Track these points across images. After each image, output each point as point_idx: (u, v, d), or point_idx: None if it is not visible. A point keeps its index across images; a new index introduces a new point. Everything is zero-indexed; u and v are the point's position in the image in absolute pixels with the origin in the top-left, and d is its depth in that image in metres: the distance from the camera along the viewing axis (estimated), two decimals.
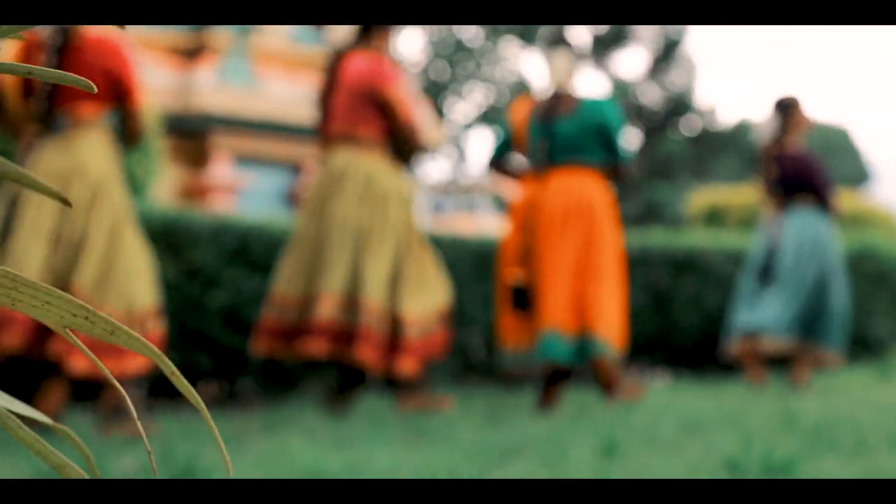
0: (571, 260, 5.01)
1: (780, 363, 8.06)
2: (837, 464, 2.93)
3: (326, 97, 5.01)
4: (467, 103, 31.56)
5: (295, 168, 12.28)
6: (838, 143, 33.52)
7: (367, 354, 4.75)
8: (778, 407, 4.80)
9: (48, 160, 4.22)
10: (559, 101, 5.15)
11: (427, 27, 30.10)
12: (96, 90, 0.74)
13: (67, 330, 0.74)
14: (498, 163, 5.44)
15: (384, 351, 4.85)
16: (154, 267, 4.48)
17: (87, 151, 4.25)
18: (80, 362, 4.14)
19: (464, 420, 4.58)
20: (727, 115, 47.27)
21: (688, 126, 29.78)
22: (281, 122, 12.03)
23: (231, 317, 5.89)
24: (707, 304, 8.00)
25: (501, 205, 24.43)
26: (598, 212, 5.08)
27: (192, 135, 11.47)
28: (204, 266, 5.78)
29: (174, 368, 0.73)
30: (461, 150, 32.58)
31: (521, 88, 30.14)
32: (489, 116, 31.04)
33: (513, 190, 6.03)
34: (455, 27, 29.98)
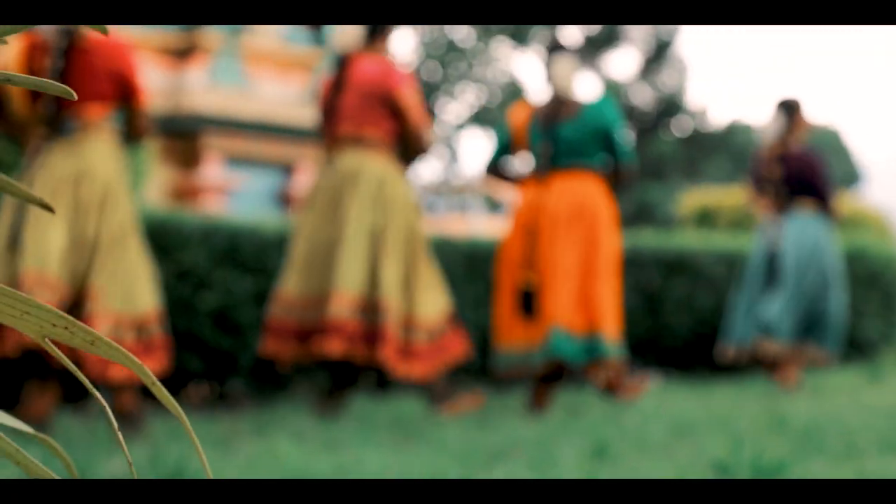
0: (575, 261, 5.07)
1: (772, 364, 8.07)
2: (826, 467, 2.92)
3: (333, 99, 5.00)
4: (459, 104, 31.57)
5: (286, 168, 12.26)
6: (829, 144, 33.58)
7: (390, 356, 4.78)
8: (767, 409, 4.80)
9: (56, 164, 4.25)
10: (561, 106, 5.19)
11: (419, 27, 30.10)
12: (76, 97, 0.73)
13: (47, 340, 0.73)
14: (496, 167, 5.47)
15: (402, 353, 4.88)
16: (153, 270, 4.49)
17: (96, 156, 4.29)
18: (92, 366, 4.16)
19: (453, 422, 4.57)
20: (718, 116, 47.32)
21: (679, 127, 29.82)
22: (272, 123, 12.01)
23: (221, 318, 5.87)
24: (698, 305, 8.00)
25: (493, 206, 24.43)
26: (601, 214, 5.14)
27: (183, 135, 11.45)
28: (194, 267, 5.76)
29: (154, 379, 0.72)
30: (453, 150, 32.59)
31: (513, 89, 30.15)
32: (481, 117, 31.05)
33: (509, 193, 6.02)
34: (447, 28, 29.98)
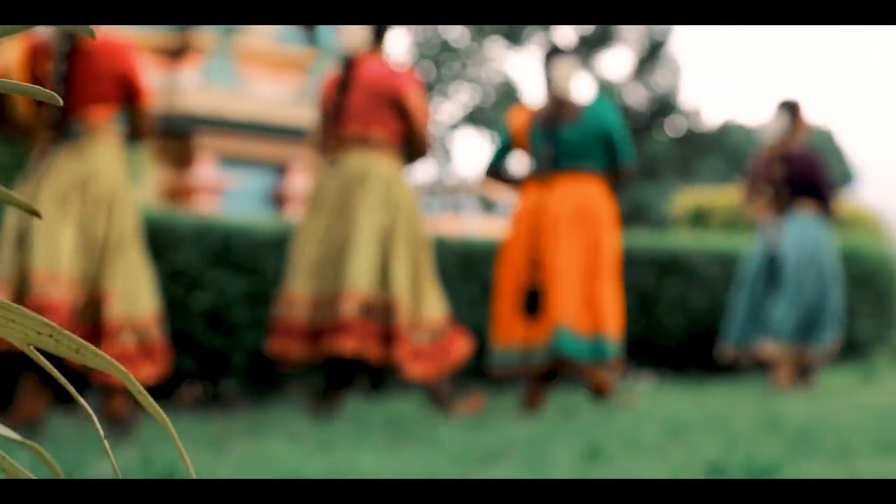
0: (579, 262, 5.11)
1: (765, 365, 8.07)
2: (820, 467, 2.92)
3: (339, 99, 5.00)
4: (453, 104, 31.57)
5: (280, 169, 12.24)
6: (822, 145, 33.63)
7: (404, 356, 4.81)
8: (761, 409, 4.79)
9: (63, 168, 4.26)
10: (562, 108, 5.22)
11: (412, 27, 30.09)
12: (61, 102, 0.72)
13: (32, 348, 0.72)
14: (496, 169, 5.49)
15: (414, 354, 4.92)
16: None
17: (101, 160, 4.31)
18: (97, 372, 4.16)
19: (448, 422, 4.56)
20: (712, 116, 47.36)
21: (673, 127, 29.83)
22: (265, 123, 11.99)
23: (214, 318, 5.86)
24: (692, 305, 8.00)
25: (487, 206, 24.42)
26: (603, 217, 5.20)
27: (176, 135, 11.43)
28: (187, 267, 5.75)
29: (140, 388, 0.71)
30: (447, 150, 32.59)
31: (507, 89, 30.15)
32: (475, 117, 31.05)
33: (506, 194, 6.07)
34: (440, 27, 29.98)
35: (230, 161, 11.86)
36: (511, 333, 5.17)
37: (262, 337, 6.07)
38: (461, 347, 5.05)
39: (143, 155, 7.40)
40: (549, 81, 5.29)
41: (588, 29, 29.11)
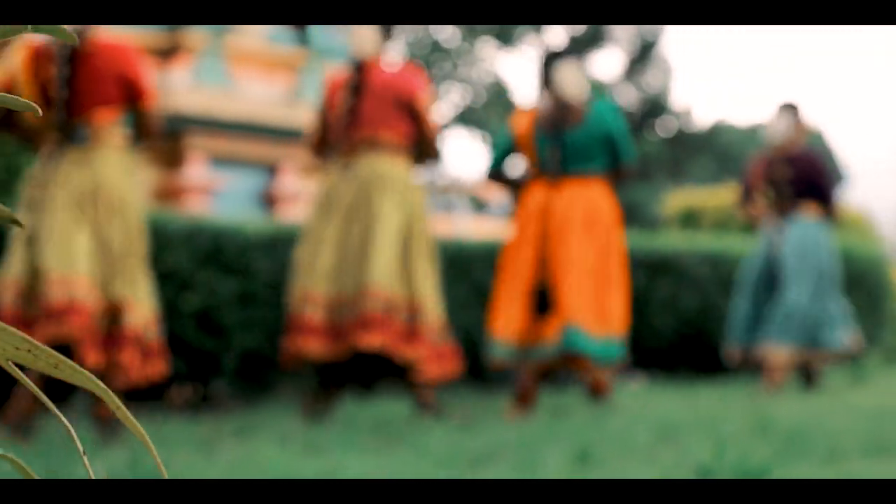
0: (591, 265, 5.21)
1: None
2: (810, 470, 2.91)
3: (351, 103, 5.00)
4: (444, 104, 31.58)
5: (270, 169, 12.23)
6: (813, 145, 33.72)
7: (425, 356, 4.87)
8: (752, 411, 4.79)
9: (70, 174, 4.28)
10: (567, 111, 5.28)
11: (403, 27, 30.08)
12: (41, 113, 0.71)
13: (10, 363, 0.70)
14: (498, 172, 5.55)
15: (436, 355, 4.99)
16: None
17: (108, 167, 4.33)
18: (90, 354, 4.19)
19: (438, 424, 4.55)
20: (703, 117, 47.44)
21: (664, 127, 29.86)
22: (256, 123, 11.97)
23: (205, 319, 5.84)
24: (683, 306, 8.00)
25: (479, 206, 24.42)
26: (611, 220, 5.31)
27: (167, 135, 11.40)
28: (177, 268, 5.73)
29: (119, 403, 0.70)
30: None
31: (498, 89, 30.15)
32: (466, 117, 31.05)
33: (499, 195, 6.12)
34: (431, 27, 29.97)
35: (221, 161, 11.83)
36: (512, 327, 5.23)
37: (253, 338, 6.05)
38: (454, 363, 5.12)
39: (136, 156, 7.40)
40: (554, 84, 5.34)
41: (579, 29, 29.12)
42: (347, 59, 5.33)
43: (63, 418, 0.73)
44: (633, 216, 26.58)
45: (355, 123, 4.97)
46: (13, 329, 0.72)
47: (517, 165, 5.64)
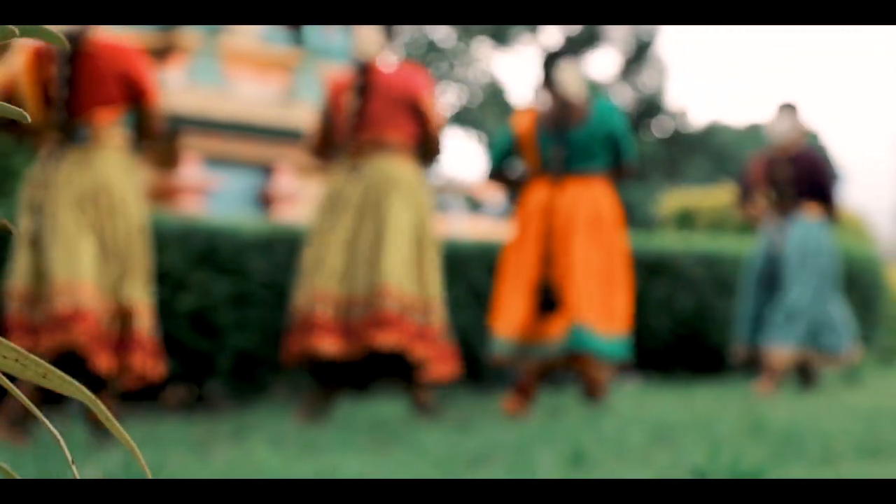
0: (597, 265, 5.26)
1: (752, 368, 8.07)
2: (804, 472, 2.91)
3: (358, 104, 5.00)
4: (440, 104, 31.55)
5: (265, 169, 12.22)
6: (810, 146, 33.72)
7: (433, 357, 4.91)
8: (747, 411, 4.78)
9: (69, 174, 4.27)
10: (570, 111, 5.33)
11: (399, 28, 30.03)
12: (29, 119, 0.70)
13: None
14: (498, 172, 5.59)
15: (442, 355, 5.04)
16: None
17: (109, 169, 4.32)
18: (102, 359, 4.21)
19: (433, 426, 4.54)
20: (698, 117, 47.53)
21: (659, 127, 29.87)
22: (251, 123, 11.96)
23: (199, 320, 5.83)
24: (678, 306, 7.99)
25: (474, 206, 24.42)
26: (614, 220, 5.37)
27: (169, 135, 11.38)
28: (172, 269, 5.72)
29: (107, 412, 0.69)
30: None
31: (493, 89, 30.15)
32: (462, 117, 31.05)
33: (495, 195, 6.17)
34: (427, 28, 29.97)
35: (215, 161, 11.82)
36: (514, 324, 5.26)
37: (248, 339, 6.04)
38: (452, 366, 5.16)
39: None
40: (555, 84, 5.38)
41: (575, 29, 29.12)
42: (349, 61, 5.34)
43: (52, 427, 0.73)
44: (628, 216, 26.55)
45: (362, 125, 4.98)
46: (0, 338, 0.71)
47: (516, 165, 5.67)
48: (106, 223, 4.27)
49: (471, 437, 3.96)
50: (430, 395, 5.12)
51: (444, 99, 31.39)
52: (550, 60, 5.42)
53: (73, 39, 4.35)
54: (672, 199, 12.40)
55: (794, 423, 4.13)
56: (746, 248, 8.59)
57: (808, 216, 6.77)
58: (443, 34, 30.75)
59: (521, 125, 5.45)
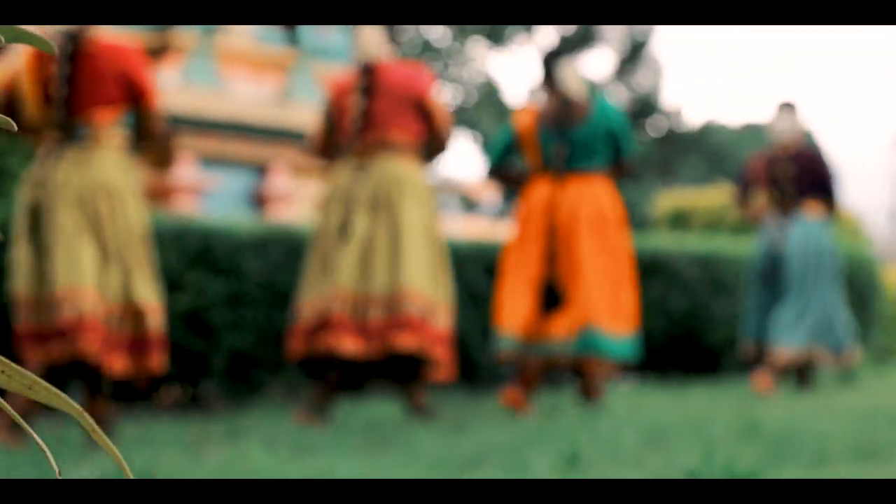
0: (602, 263, 5.29)
1: (747, 368, 8.08)
2: (799, 474, 2.91)
3: (363, 104, 5.00)
4: (445, 101, 31.53)
5: (260, 169, 12.20)
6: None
7: (445, 355, 4.93)
8: (741, 413, 4.78)
9: (67, 173, 4.27)
10: (571, 109, 5.37)
11: (400, 28, 30.00)
12: (15, 128, 0.70)
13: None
14: (498, 170, 5.62)
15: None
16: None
17: (107, 168, 4.32)
18: (117, 361, 4.21)
19: (428, 427, 4.53)
20: (693, 117, 47.50)
21: (654, 127, 29.88)
22: (246, 123, 11.95)
23: (194, 320, 5.82)
24: (672, 307, 7.99)
25: (470, 206, 24.41)
26: (615, 217, 5.40)
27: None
28: (167, 269, 5.70)
29: (95, 426, 0.69)
30: None
31: (489, 89, 30.15)
32: (457, 117, 31.03)
33: (490, 195, 6.20)
34: (422, 27, 29.96)
35: (210, 161, 11.81)
36: (518, 321, 5.28)
37: (243, 339, 6.03)
38: (446, 370, 5.19)
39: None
40: (556, 82, 5.41)
41: (570, 29, 29.13)
42: (349, 61, 5.34)
43: (39, 440, 0.72)
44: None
45: (367, 125, 4.99)
46: None
47: (516, 163, 5.71)
48: (105, 223, 4.26)
49: (465, 439, 3.96)
50: (425, 397, 5.12)
51: (440, 98, 31.33)
52: (551, 59, 5.45)
53: (74, 38, 4.35)
54: (666, 199, 12.40)
55: (789, 424, 4.13)
56: (741, 248, 8.59)
57: (810, 214, 6.79)
58: (438, 34, 30.74)
59: (523, 123, 5.48)
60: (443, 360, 4.95)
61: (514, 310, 5.30)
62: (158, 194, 11.34)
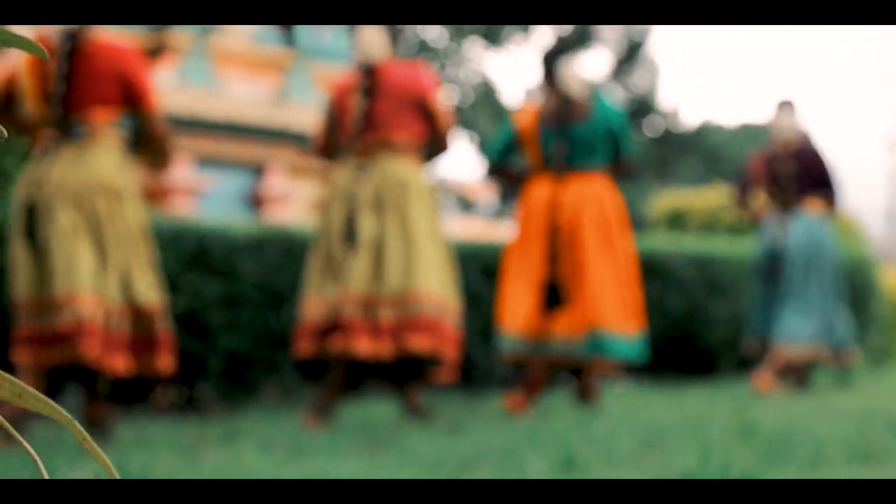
0: (606, 263, 5.31)
1: (744, 368, 8.08)
2: (795, 476, 2.90)
3: (365, 105, 4.99)
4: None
5: (257, 170, 12.19)
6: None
7: (455, 356, 4.93)
8: (737, 414, 4.77)
9: (62, 170, 4.26)
10: (572, 107, 5.39)
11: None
12: (6, 135, 0.69)
13: None
14: (498, 167, 5.65)
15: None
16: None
17: (102, 164, 4.31)
18: (118, 362, 4.20)
19: (424, 429, 4.52)
20: (689, 117, 47.54)
21: (651, 127, 29.89)
22: (242, 124, 11.93)
23: (190, 321, 5.81)
24: (669, 308, 7.98)
25: (466, 206, 24.40)
26: (617, 217, 5.42)
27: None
28: (163, 270, 5.69)
29: (86, 434, 0.68)
30: None
31: (485, 89, 30.15)
32: (454, 117, 31.02)
33: (487, 195, 6.20)
34: (419, 27, 29.97)
35: (207, 162, 11.79)
36: (522, 321, 5.29)
37: (239, 340, 6.02)
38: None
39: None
40: (556, 80, 5.44)
41: (566, 29, 29.13)
42: (349, 61, 5.33)
43: (28, 446, 0.71)
44: None
45: (369, 125, 4.98)
46: None
47: (515, 161, 5.74)
48: (102, 221, 4.25)
49: (461, 441, 3.95)
50: (420, 398, 5.11)
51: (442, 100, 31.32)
52: (552, 57, 5.47)
53: (73, 37, 4.35)
54: (663, 200, 12.39)
55: (785, 426, 4.13)
56: (738, 249, 8.59)
57: (810, 211, 6.81)
58: (434, 34, 30.74)
59: (524, 121, 5.50)
60: (454, 361, 4.95)
61: (516, 310, 5.30)
62: (154, 195, 11.32)
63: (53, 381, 4.39)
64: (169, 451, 3.75)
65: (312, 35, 12.70)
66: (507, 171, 5.67)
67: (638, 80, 30.05)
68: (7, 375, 0.69)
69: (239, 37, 12.27)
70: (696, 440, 3.70)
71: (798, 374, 6.91)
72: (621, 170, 5.50)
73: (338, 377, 4.88)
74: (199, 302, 5.84)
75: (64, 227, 4.18)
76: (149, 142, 4.49)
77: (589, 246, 5.26)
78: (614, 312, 5.24)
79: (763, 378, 6.56)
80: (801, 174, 6.82)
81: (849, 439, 3.67)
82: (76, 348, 4.12)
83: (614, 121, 5.42)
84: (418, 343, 4.78)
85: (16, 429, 4.12)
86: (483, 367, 7.00)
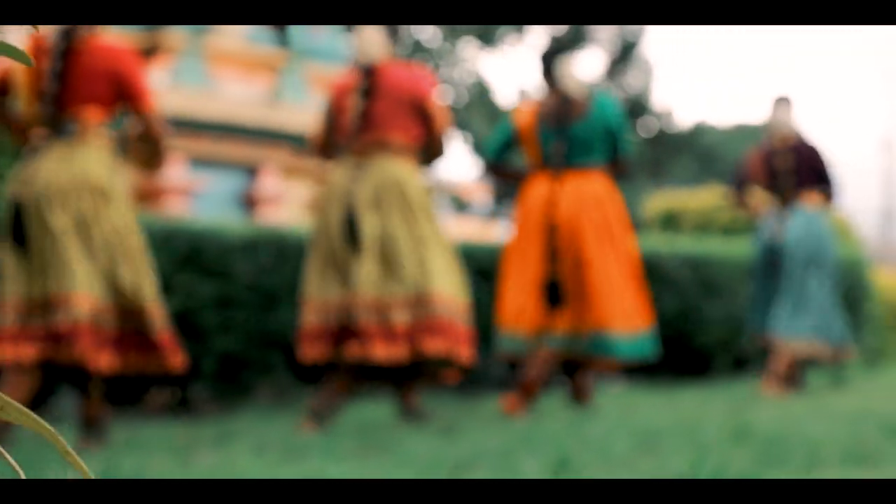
0: (608, 262, 5.32)
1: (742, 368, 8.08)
2: (790, 477, 2.89)
3: (363, 106, 4.98)
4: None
5: (250, 170, 12.18)
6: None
7: (467, 354, 4.94)
8: (732, 416, 4.77)
9: (51, 168, 4.25)
10: (571, 105, 5.41)
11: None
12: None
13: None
14: (496, 166, 5.67)
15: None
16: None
17: (92, 163, 4.29)
18: (102, 359, 4.19)
19: (419, 431, 4.51)
20: (684, 117, 47.57)
21: (645, 127, 29.91)
22: (236, 124, 11.92)
23: (183, 322, 5.79)
24: (663, 309, 7.98)
25: (461, 206, 24.39)
26: (617, 215, 5.43)
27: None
28: (156, 271, 5.68)
29: (67, 447, 0.67)
30: None
31: (480, 90, 30.15)
32: (451, 120, 31.00)
33: (482, 196, 6.21)
34: (413, 27, 29.96)
35: (200, 162, 11.77)
36: (522, 320, 5.30)
37: (232, 341, 6.01)
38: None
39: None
40: (555, 79, 5.46)
41: (560, 29, 29.14)
42: (346, 62, 5.32)
43: (8, 457, 0.70)
44: None
45: (366, 126, 4.98)
46: None
47: (512, 160, 5.76)
48: (91, 220, 4.24)
49: (456, 443, 3.94)
50: (417, 400, 5.10)
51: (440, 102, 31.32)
52: (550, 56, 5.48)
53: (68, 36, 4.35)
54: (657, 200, 12.40)
55: (780, 428, 4.12)
56: (733, 249, 8.59)
57: (809, 205, 6.83)
58: (429, 34, 30.73)
59: (522, 120, 5.51)
60: (468, 362, 4.96)
61: (516, 308, 5.31)
62: (148, 195, 11.30)
63: (48, 382, 4.37)
64: (162, 453, 3.74)
65: (306, 35, 12.68)
66: (505, 170, 5.69)
67: (632, 80, 30.07)
68: None
69: (233, 37, 12.25)
70: (690, 441, 3.70)
71: (791, 376, 6.92)
72: (618, 169, 5.51)
73: (344, 382, 4.84)
74: (192, 303, 5.82)
75: (54, 227, 4.17)
76: (145, 141, 4.47)
77: (589, 243, 5.27)
78: (620, 311, 5.25)
79: (771, 382, 6.57)
80: (799, 169, 6.84)
81: (844, 440, 3.66)
82: (72, 348, 4.11)
83: (612, 120, 5.43)
84: (434, 346, 4.77)
85: (6, 432, 4.10)
86: (478, 368, 7.00)
